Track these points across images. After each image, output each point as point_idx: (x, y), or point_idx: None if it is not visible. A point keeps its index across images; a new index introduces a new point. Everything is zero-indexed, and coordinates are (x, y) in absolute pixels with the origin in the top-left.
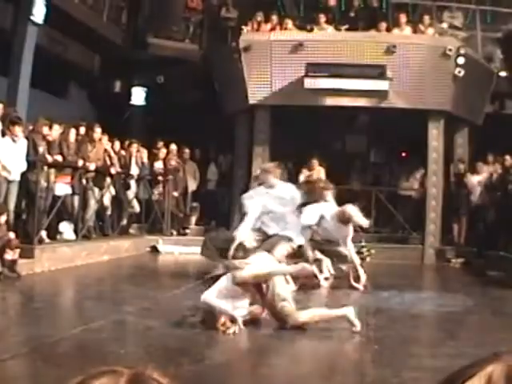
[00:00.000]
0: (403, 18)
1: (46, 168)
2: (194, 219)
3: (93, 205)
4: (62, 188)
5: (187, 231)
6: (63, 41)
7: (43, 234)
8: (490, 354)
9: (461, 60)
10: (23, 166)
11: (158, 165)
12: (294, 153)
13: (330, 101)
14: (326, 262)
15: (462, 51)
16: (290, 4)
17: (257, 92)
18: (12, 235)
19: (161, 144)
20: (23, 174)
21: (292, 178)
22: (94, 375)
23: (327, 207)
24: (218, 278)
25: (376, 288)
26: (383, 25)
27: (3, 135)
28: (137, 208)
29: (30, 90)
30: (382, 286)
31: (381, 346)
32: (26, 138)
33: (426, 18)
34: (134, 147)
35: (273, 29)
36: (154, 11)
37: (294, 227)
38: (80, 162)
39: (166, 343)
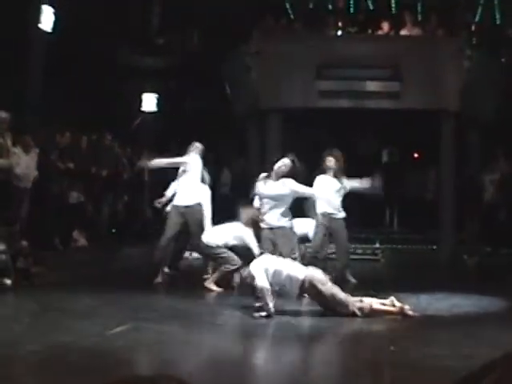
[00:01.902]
0: (412, 18)
1: (58, 175)
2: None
3: (105, 212)
4: (75, 195)
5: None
6: (74, 48)
7: (56, 241)
8: (501, 355)
9: (472, 60)
10: (35, 174)
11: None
12: (306, 155)
13: (342, 103)
14: None
15: (473, 51)
16: (299, 7)
17: (268, 95)
18: (25, 243)
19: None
20: (35, 182)
21: (304, 179)
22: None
23: None
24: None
25: (391, 289)
26: (386, 25)
27: (14, 144)
28: (149, 214)
29: (41, 97)
30: (397, 287)
31: (396, 347)
32: (38, 145)
33: (435, 18)
34: (145, 153)
35: (283, 32)
36: (165, 17)
37: None
38: (92, 169)
39: (182, 349)
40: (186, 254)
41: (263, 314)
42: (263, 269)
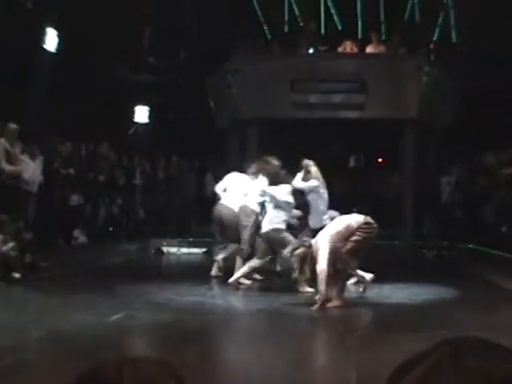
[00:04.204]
0: (376, 38)
1: (60, 180)
2: (193, 223)
3: (103, 212)
4: (75, 198)
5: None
6: (75, 66)
7: (59, 239)
8: (442, 339)
9: (430, 75)
10: (40, 179)
11: (161, 175)
12: (282, 161)
13: (313, 113)
14: None
15: (431, 66)
16: (275, 29)
17: (247, 108)
18: (31, 239)
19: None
20: (41, 186)
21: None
22: (105, 363)
23: None
24: None
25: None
26: (349, 44)
27: (22, 152)
28: (142, 214)
29: (45, 110)
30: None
31: (363, 332)
32: (42, 154)
33: (397, 38)
34: (138, 160)
35: (261, 51)
36: (155, 40)
37: None
38: (90, 175)
39: (171, 335)
40: (174, 249)
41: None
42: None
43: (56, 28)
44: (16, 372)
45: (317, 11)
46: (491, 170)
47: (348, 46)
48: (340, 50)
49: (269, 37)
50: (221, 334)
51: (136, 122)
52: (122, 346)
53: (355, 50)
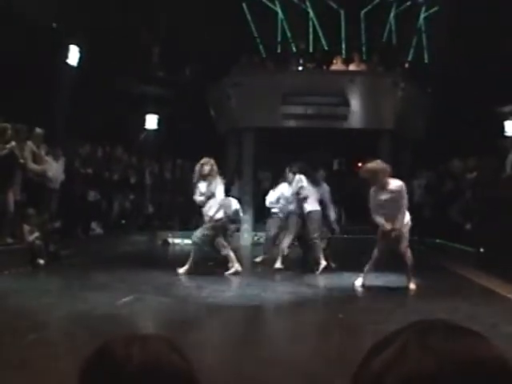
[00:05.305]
0: (358, 57)
1: (79, 178)
2: (195, 218)
3: (116, 207)
4: (93, 194)
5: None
6: (94, 79)
7: (79, 230)
8: (408, 323)
9: (405, 90)
10: (62, 178)
11: (167, 175)
12: (273, 164)
13: (302, 123)
14: None
15: (406, 82)
16: (269, 48)
17: (244, 117)
18: (54, 231)
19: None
20: (63, 184)
21: (271, 183)
22: (115, 341)
23: None
24: None
25: (339, 270)
26: (338, 60)
27: (47, 154)
28: (151, 209)
29: (68, 116)
30: (343, 268)
31: (344, 315)
32: (64, 155)
33: (376, 57)
34: (148, 162)
35: (256, 67)
36: (163, 56)
37: None
38: (106, 174)
39: (174, 315)
40: (179, 240)
41: None
42: None
43: (78, 45)
44: (39, 347)
45: (306, 33)
46: (457, 175)
47: (338, 61)
48: (331, 65)
49: (263, 55)
50: (218, 315)
51: (146, 129)
52: (131, 324)
53: (338, 65)
